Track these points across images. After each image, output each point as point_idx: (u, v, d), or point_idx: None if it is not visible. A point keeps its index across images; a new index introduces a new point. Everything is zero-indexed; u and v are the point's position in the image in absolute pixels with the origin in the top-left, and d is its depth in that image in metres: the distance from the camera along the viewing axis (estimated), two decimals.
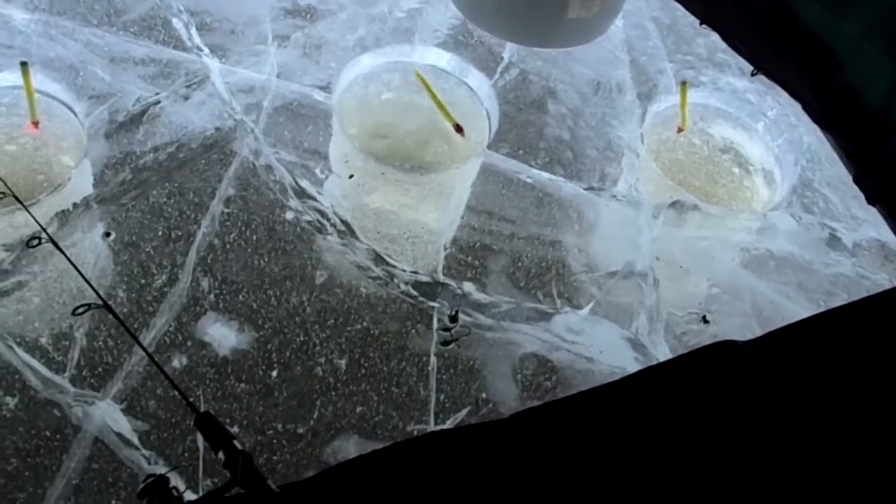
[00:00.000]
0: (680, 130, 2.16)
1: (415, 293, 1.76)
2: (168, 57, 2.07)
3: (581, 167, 2.05)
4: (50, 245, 1.44)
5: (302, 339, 1.68)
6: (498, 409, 1.63)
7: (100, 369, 1.59)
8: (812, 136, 2.18)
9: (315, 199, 1.86)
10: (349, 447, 1.57)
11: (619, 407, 1.26)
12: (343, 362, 1.66)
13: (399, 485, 1.08)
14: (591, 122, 2.15)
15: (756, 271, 1.92)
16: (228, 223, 1.82)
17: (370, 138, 1.95)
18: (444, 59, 2.10)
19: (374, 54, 2.06)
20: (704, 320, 1.81)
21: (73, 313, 1.39)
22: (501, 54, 2.24)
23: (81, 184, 1.80)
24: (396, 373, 1.67)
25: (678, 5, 2.37)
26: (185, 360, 1.61)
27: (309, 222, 1.83)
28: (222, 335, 1.65)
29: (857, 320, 1.42)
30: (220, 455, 1.05)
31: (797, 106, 2.13)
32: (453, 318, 1.73)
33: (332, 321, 1.71)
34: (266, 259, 1.77)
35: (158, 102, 1.97)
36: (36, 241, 1.53)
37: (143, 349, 1.30)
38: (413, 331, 1.71)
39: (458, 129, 1.98)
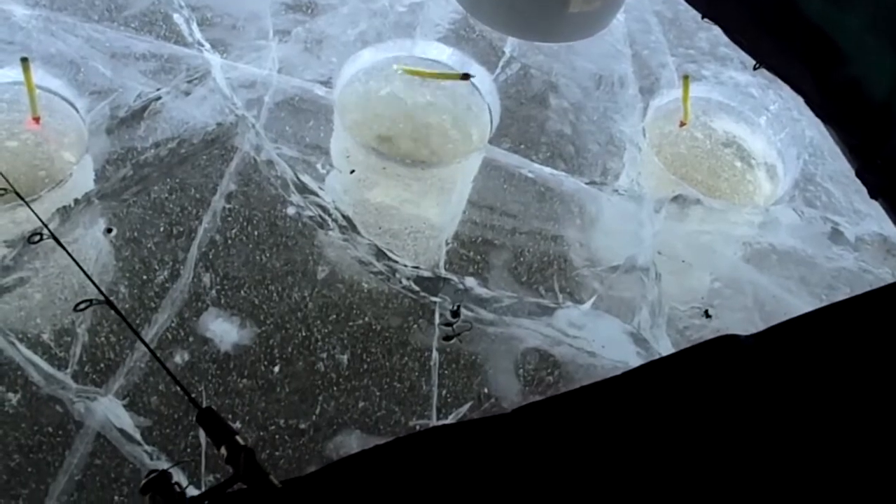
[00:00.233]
0: (682, 124, 2.16)
1: (416, 288, 1.76)
2: (169, 52, 2.07)
3: (583, 161, 2.05)
4: (51, 241, 1.44)
5: (304, 334, 1.68)
6: (500, 403, 1.63)
7: (102, 365, 1.59)
8: (814, 130, 2.17)
9: (316, 195, 1.86)
10: (351, 442, 1.57)
11: (622, 402, 1.26)
12: (345, 357, 1.66)
13: (402, 480, 1.08)
14: (592, 116, 2.15)
15: (758, 265, 1.92)
16: (230, 219, 1.81)
17: (371, 133, 1.94)
18: (445, 53, 2.09)
19: (376, 49, 2.06)
20: (706, 315, 1.80)
21: (75, 309, 1.39)
22: (503, 49, 2.24)
23: (83, 180, 1.80)
24: (398, 368, 1.67)
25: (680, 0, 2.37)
26: (186, 356, 1.61)
27: (310, 217, 1.83)
28: (224, 331, 1.65)
29: (860, 315, 1.42)
30: (223, 451, 1.05)
31: (799, 100, 2.13)
32: (455, 313, 1.72)
33: (334, 316, 1.71)
34: (268, 254, 1.77)
35: (159, 98, 1.97)
36: (37, 238, 1.53)
37: (146, 345, 1.30)
38: (415, 326, 1.71)
39: (465, 76, 1.98)
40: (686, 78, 2.15)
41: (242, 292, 1.71)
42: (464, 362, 1.68)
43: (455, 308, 1.73)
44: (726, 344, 1.34)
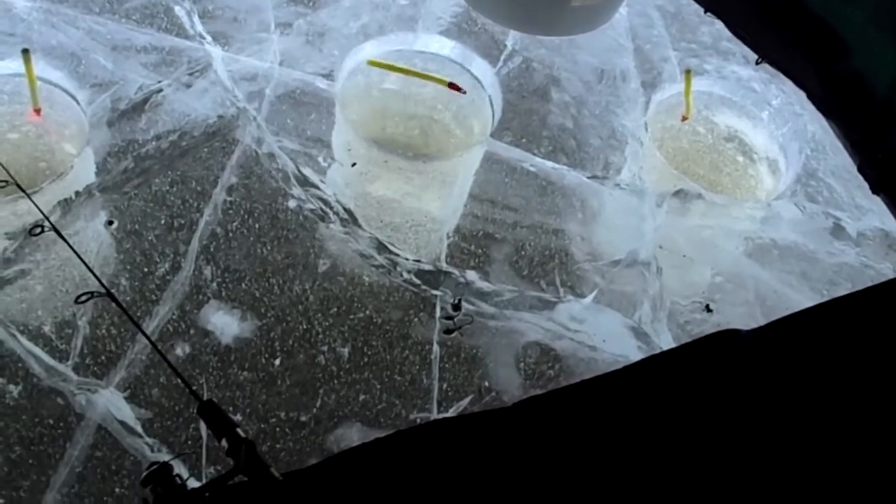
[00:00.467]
0: (684, 119, 2.16)
1: (417, 281, 1.75)
2: (170, 44, 2.07)
3: (584, 156, 2.04)
4: (53, 233, 1.44)
5: (305, 327, 1.68)
6: (501, 397, 1.63)
7: (103, 357, 1.59)
8: (816, 125, 2.17)
9: (318, 188, 1.85)
10: (352, 435, 1.57)
11: (622, 396, 1.27)
12: (346, 350, 1.66)
13: (402, 473, 1.08)
14: (594, 110, 2.15)
15: (760, 260, 1.92)
16: (231, 211, 1.81)
17: (373, 126, 1.94)
18: (447, 47, 2.09)
19: (377, 42, 2.05)
20: (707, 309, 1.80)
21: (76, 301, 1.39)
22: (505, 42, 2.24)
23: (84, 172, 1.80)
24: (399, 361, 1.67)
25: None
26: (187, 349, 1.61)
27: (312, 210, 1.82)
28: (225, 323, 1.65)
29: (861, 310, 1.42)
30: (224, 443, 1.05)
31: (802, 94, 2.13)
32: (456, 307, 1.72)
33: (335, 309, 1.71)
34: (269, 247, 1.77)
35: (160, 90, 1.96)
36: (39, 230, 1.53)
37: (147, 337, 1.29)
38: (416, 319, 1.71)
39: (454, 86, 1.97)
40: (688, 72, 2.15)
41: (243, 285, 1.71)
42: (465, 356, 1.68)
43: (456, 302, 1.73)
44: (727, 338, 1.34)
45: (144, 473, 1.03)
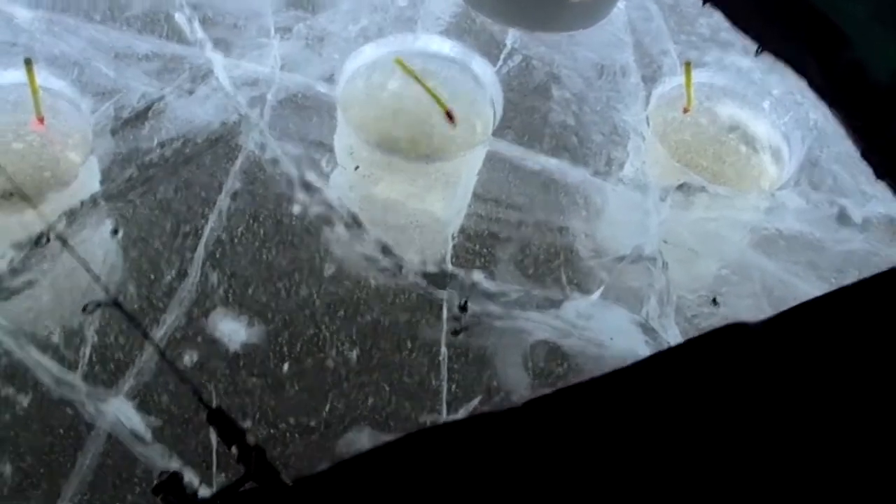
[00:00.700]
0: (685, 111, 2.15)
1: (424, 283, 1.76)
2: (171, 52, 2.07)
3: (587, 152, 2.04)
4: (59, 243, 1.45)
5: (312, 331, 1.69)
6: (510, 397, 1.63)
7: (111, 365, 1.60)
8: (818, 113, 2.16)
9: (322, 192, 1.86)
10: (362, 439, 1.57)
11: (631, 393, 1.26)
12: (354, 354, 1.67)
13: (413, 476, 1.09)
14: (595, 106, 2.15)
15: (766, 251, 1.92)
16: (236, 217, 1.82)
17: (375, 128, 1.94)
18: (446, 46, 2.08)
19: (377, 45, 2.04)
20: (714, 302, 1.80)
21: (83, 311, 1.40)
22: (504, 41, 2.24)
23: (88, 181, 1.80)
24: (408, 363, 1.67)
25: None
26: (196, 357, 1.61)
27: (316, 215, 1.83)
28: (232, 330, 1.65)
29: (869, 297, 1.42)
30: (233, 450, 1.06)
31: (802, 83, 2.12)
32: (463, 308, 1.72)
33: (342, 313, 1.72)
34: (274, 252, 1.77)
35: (163, 98, 1.97)
36: (45, 240, 1.53)
37: (155, 346, 1.31)
38: (423, 321, 1.71)
39: (450, 116, 1.97)
40: (688, 64, 2.14)
41: (250, 291, 1.72)
42: (472, 356, 1.69)
43: (463, 303, 1.73)
44: (735, 331, 1.34)
45: (155, 483, 1.03)
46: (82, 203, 1.76)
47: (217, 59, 2.07)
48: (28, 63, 1.89)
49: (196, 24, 2.15)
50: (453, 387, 1.65)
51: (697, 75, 2.19)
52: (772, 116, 2.19)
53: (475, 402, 1.63)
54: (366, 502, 1.06)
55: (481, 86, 2.08)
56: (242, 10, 2.20)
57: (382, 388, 1.64)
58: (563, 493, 1.07)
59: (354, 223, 1.82)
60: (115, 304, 1.39)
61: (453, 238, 1.85)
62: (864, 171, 2.01)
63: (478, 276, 1.78)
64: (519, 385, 1.65)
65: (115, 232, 1.75)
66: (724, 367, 1.29)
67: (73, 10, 2.12)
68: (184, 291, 1.70)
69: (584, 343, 1.72)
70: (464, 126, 2.01)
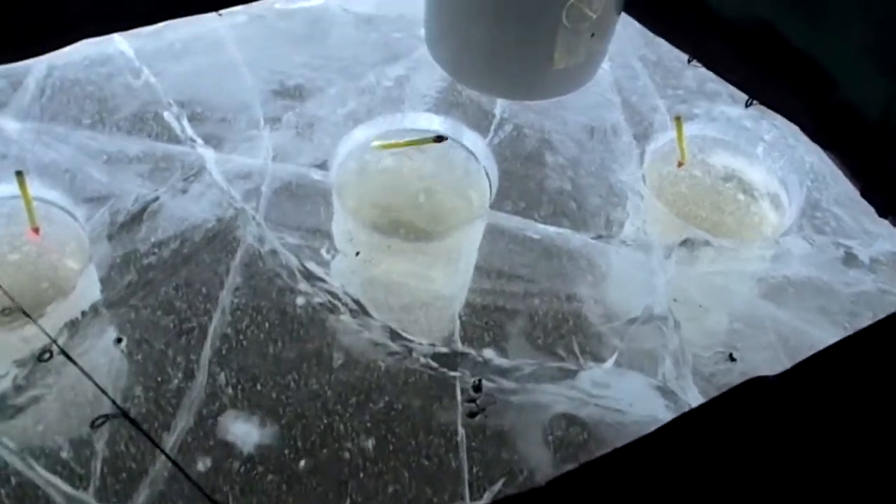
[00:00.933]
0: (680, 164, 2.15)
1: (435, 365, 1.73)
2: (162, 151, 2.07)
3: (586, 215, 2.03)
4: (62, 356, 1.43)
5: (325, 421, 1.66)
6: (533, 475, 1.59)
7: (124, 475, 1.56)
8: (814, 156, 2.16)
9: (324, 281, 1.84)
10: None
11: (656, 461, 1.25)
12: (370, 442, 1.63)
13: None
14: (590, 168, 2.15)
15: (776, 300, 1.90)
16: (239, 312, 1.80)
17: (371, 210, 1.94)
18: (436, 122, 2.09)
19: (367, 127, 2.06)
20: (731, 358, 1.78)
21: (92, 426, 1.37)
22: (493, 111, 2.24)
23: (88, 290, 1.79)
24: (425, 445, 1.64)
25: (663, 41, 2.38)
26: (209, 462, 1.58)
27: (320, 304, 1.81)
28: (245, 432, 1.62)
29: (887, 338, 1.41)
30: None
31: (794, 126, 2.13)
32: (477, 388, 1.70)
33: (354, 400, 1.69)
34: (281, 345, 1.75)
35: (157, 198, 1.96)
36: (48, 355, 1.51)
37: (168, 457, 1.28)
38: (437, 402, 1.69)
39: (438, 139, 1.97)
40: (678, 119, 2.15)
41: (258, 386, 1.69)
42: (490, 433, 1.65)
43: (476, 383, 1.71)
44: (755, 387, 1.33)
45: None
46: (83, 313, 1.74)
47: (208, 155, 2.08)
48: (20, 175, 1.90)
49: (185, 122, 2.15)
50: (474, 468, 1.61)
51: (688, 128, 2.20)
52: (766, 162, 2.19)
53: (499, 484, 1.59)
54: None
55: (474, 158, 2.08)
56: (230, 103, 2.21)
57: (402, 473, 1.60)
58: None
59: (360, 309, 1.80)
60: (125, 416, 1.36)
61: (461, 317, 1.82)
62: (866, 210, 2.01)
63: (489, 352, 1.76)
64: (541, 462, 1.62)
65: (118, 341, 1.73)
66: (748, 425, 1.28)
67: (61, 117, 2.13)
68: (192, 393, 1.67)
69: (604, 411, 1.69)
70: (459, 198, 2.01)
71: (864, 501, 1.16)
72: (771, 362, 1.76)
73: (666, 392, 1.71)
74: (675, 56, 2.42)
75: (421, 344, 1.76)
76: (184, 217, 1.94)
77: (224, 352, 1.73)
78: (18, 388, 1.64)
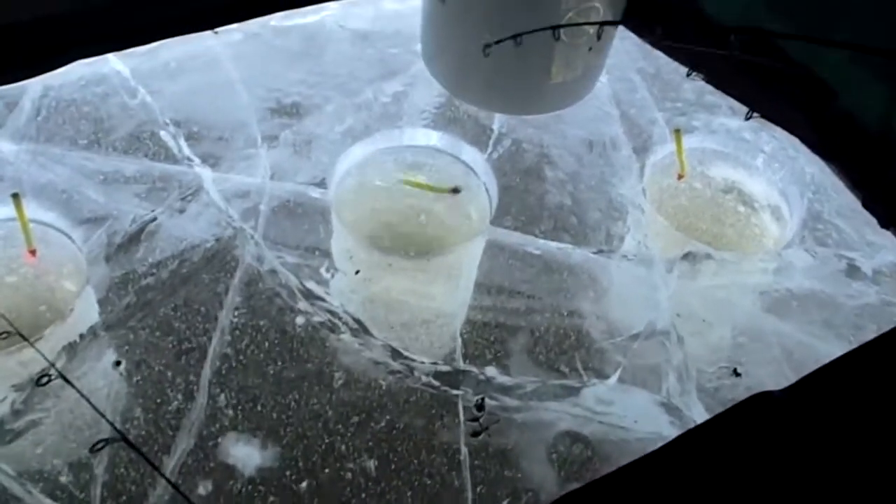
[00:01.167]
0: (680, 177, 2.14)
1: (436, 383, 1.72)
2: (159, 171, 2.06)
3: (587, 230, 2.02)
4: (61, 380, 1.42)
5: (327, 441, 1.64)
6: (538, 495, 1.58)
7: (124, 498, 1.54)
8: (814, 167, 2.15)
9: (323, 300, 1.83)
10: None
11: (661, 478, 1.24)
12: (372, 462, 1.62)
13: None
14: (590, 182, 2.14)
15: (779, 314, 1.88)
16: (238, 332, 1.79)
17: (370, 227, 1.93)
18: (434, 138, 2.08)
19: (364, 144, 2.05)
20: (735, 373, 1.76)
21: (91, 451, 1.36)
22: (491, 126, 2.24)
23: (86, 313, 1.78)
24: (427, 464, 1.62)
25: (661, 54, 2.38)
26: (210, 486, 1.56)
27: (321, 323, 1.80)
28: (246, 454, 1.60)
29: (892, 351, 1.40)
30: None
31: (794, 138, 2.12)
32: (480, 407, 1.68)
33: (356, 420, 1.67)
34: (281, 365, 1.74)
35: (155, 219, 1.95)
36: (46, 379, 1.50)
37: (169, 482, 1.26)
38: (439, 421, 1.67)
39: (455, 190, 1.97)
40: (677, 132, 2.14)
41: (259, 406, 1.68)
42: (493, 452, 1.64)
43: (479, 402, 1.69)
44: (760, 402, 1.32)
45: None
46: (81, 336, 1.73)
47: (206, 174, 2.07)
48: (16, 197, 1.89)
49: (182, 141, 2.14)
50: (478, 487, 1.59)
51: (688, 140, 2.20)
52: (766, 173, 2.18)
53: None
54: None
55: (473, 174, 2.07)
56: (227, 122, 2.20)
57: (404, 492, 1.59)
58: None
59: (360, 328, 1.79)
60: (124, 440, 1.35)
61: (462, 334, 1.81)
62: (868, 221, 2.00)
63: (491, 370, 1.74)
64: (546, 481, 1.60)
65: (117, 364, 1.72)
66: (755, 441, 1.27)
67: (57, 138, 2.12)
68: (193, 414, 1.65)
69: (608, 428, 1.67)
70: (459, 215, 1.99)
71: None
72: (776, 377, 1.74)
73: (670, 408, 1.69)
74: (673, 68, 2.42)
75: (422, 362, 1.74)
76: (182, 237, 1.93)
77: (224, 372, 1.72)
78: (16, 413, 1.62)
